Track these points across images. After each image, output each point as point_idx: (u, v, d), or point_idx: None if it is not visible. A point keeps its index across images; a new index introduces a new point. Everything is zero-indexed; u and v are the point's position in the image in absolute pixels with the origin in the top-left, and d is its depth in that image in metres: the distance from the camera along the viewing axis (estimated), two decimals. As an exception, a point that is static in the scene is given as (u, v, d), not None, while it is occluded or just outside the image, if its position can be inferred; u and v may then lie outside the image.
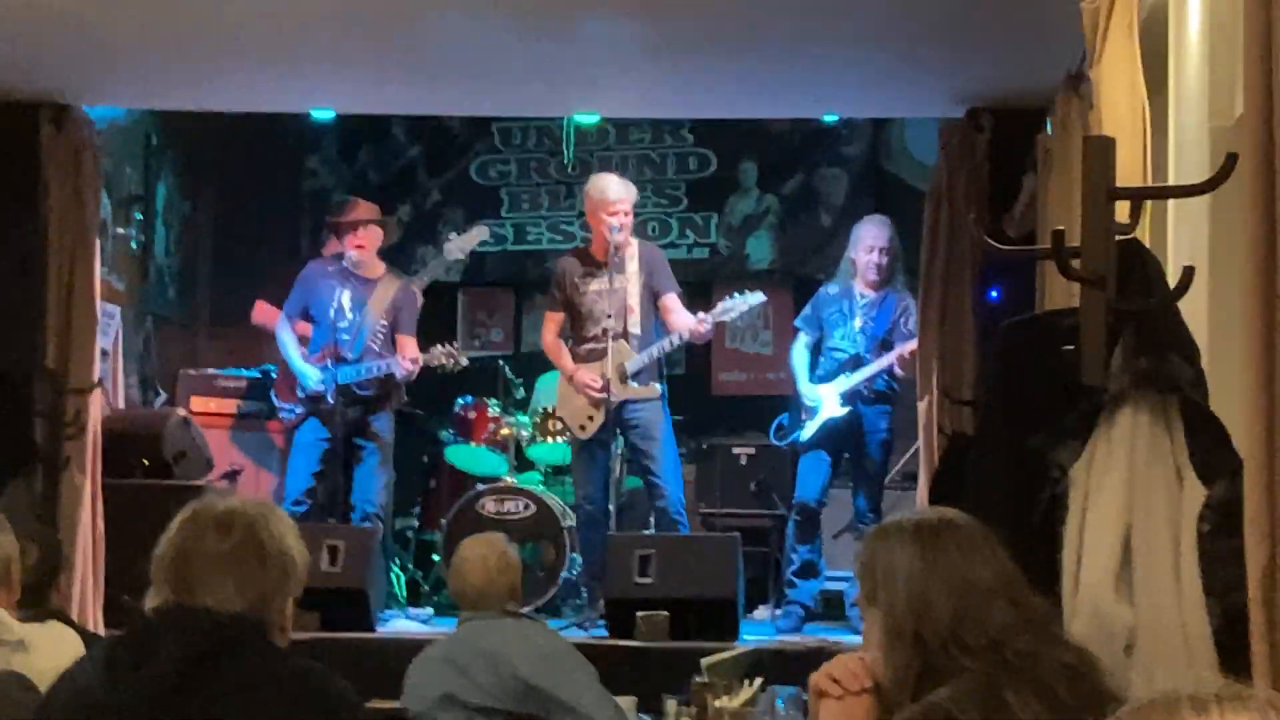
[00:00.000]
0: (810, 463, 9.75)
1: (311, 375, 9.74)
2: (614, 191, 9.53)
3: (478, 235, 10.80)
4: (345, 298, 9.85)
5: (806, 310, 10.00)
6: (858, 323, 9.70)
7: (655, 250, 10.06)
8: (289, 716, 3.14)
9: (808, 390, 9.76)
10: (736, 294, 9.64)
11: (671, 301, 9.62)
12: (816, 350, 9.90)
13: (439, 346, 9.97)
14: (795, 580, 9.68)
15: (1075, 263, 3.99)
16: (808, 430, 9.69)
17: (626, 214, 9.50)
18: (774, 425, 10.25)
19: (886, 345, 9.67)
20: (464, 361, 10.06)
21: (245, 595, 3.25)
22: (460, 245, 10.72)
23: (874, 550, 3.32)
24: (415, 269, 12.40)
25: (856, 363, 9.64)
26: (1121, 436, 3.88)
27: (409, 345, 9.91)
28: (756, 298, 9.65)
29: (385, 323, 9.92)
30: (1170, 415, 3.89)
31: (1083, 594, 3.84)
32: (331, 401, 9.69)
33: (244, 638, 3.20)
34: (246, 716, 3.12)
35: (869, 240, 9.76)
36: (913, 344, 9.34)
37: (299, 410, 9.86)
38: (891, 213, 10.43)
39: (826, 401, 9.64)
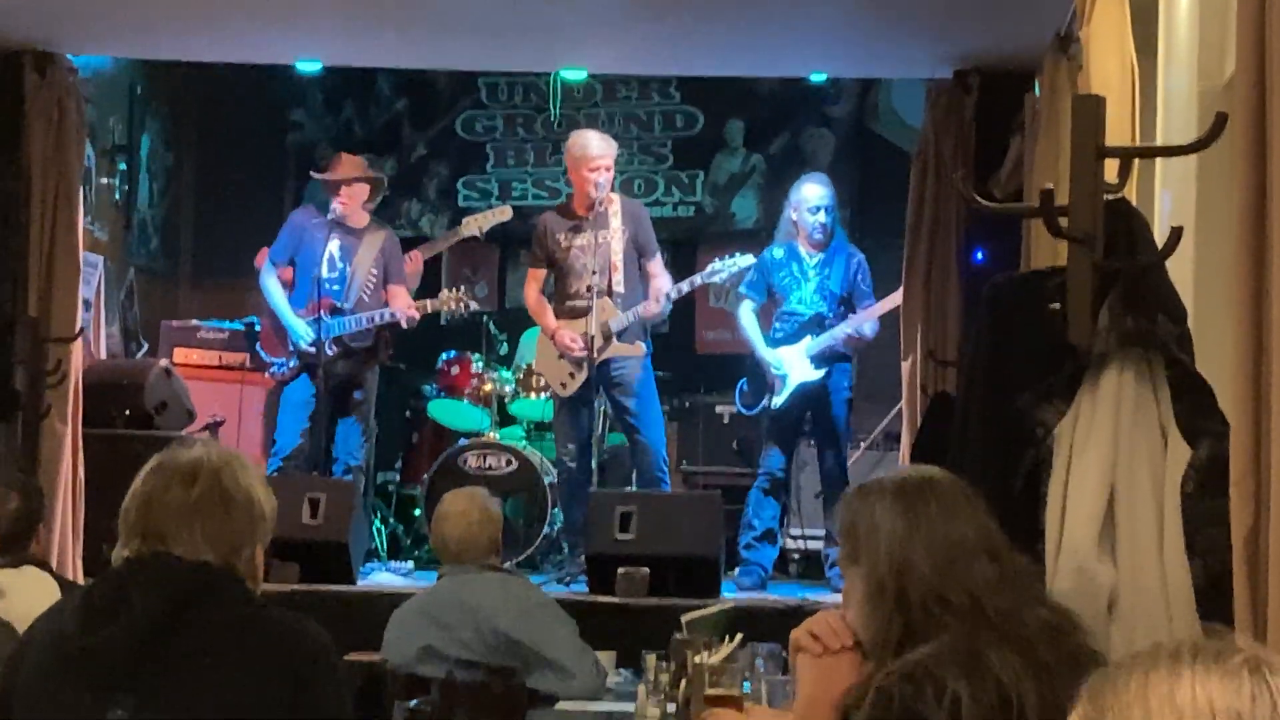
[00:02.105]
0: (780, 430, 9.72)
1: (304, 331, 9.70)
2: (595, 147, 9.50)
3: (499, 215, 10.69)
4: (334, 248, 9.82)
5: (751, 276, 9.81)
6: (812, 283, 9.63)
7: (638, 205, 10.05)
8: (264, 662, 3.13)
9: (770, 356, 9.66)
10: (726, 256, 9.64)
11: (655, 265, 9.61)
12: (765, 316, 9.82)
13: (446, 291, 9.98)
14: (754, 544, 9.64)
15: (1063, 221, 3.98)
16: (780, 397, 9.64)
17: (608, 169, 9.47)
18: (737, 390, 10.15)
19: (847, 303, 9.62)
20: (474, 305, 10.07)
21: (214, 544, 3.23)
22: (479, 222, 10.62)
23: (855, 510, 3.32)
24: (400, 224, 12.41)
25: (819, 322, 9.56)
26: (1107, 396, 3.88)
27: (401, 294, 9.91)
28: (745, 260, 9.64)
29: (375, 272, 9.91)
30: (1156, 376, 3.89)
31: (1065, 553, 3.84)
32: (330, 352, 9.66)
33: (217, 585, 3.19)
34: (222, 663, 3.12)
35: (813, 200, 9.68)
36: (885, 305, 9.34)
37: (291, 364, 9.83)
38: (877, 173, 10.43)
39: (795, 365, 9.57)
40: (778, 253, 9.80)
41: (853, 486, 3.50)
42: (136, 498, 3.29)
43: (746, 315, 9.83)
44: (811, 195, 9.70)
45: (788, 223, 9.79)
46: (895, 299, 9.31)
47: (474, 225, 10.60)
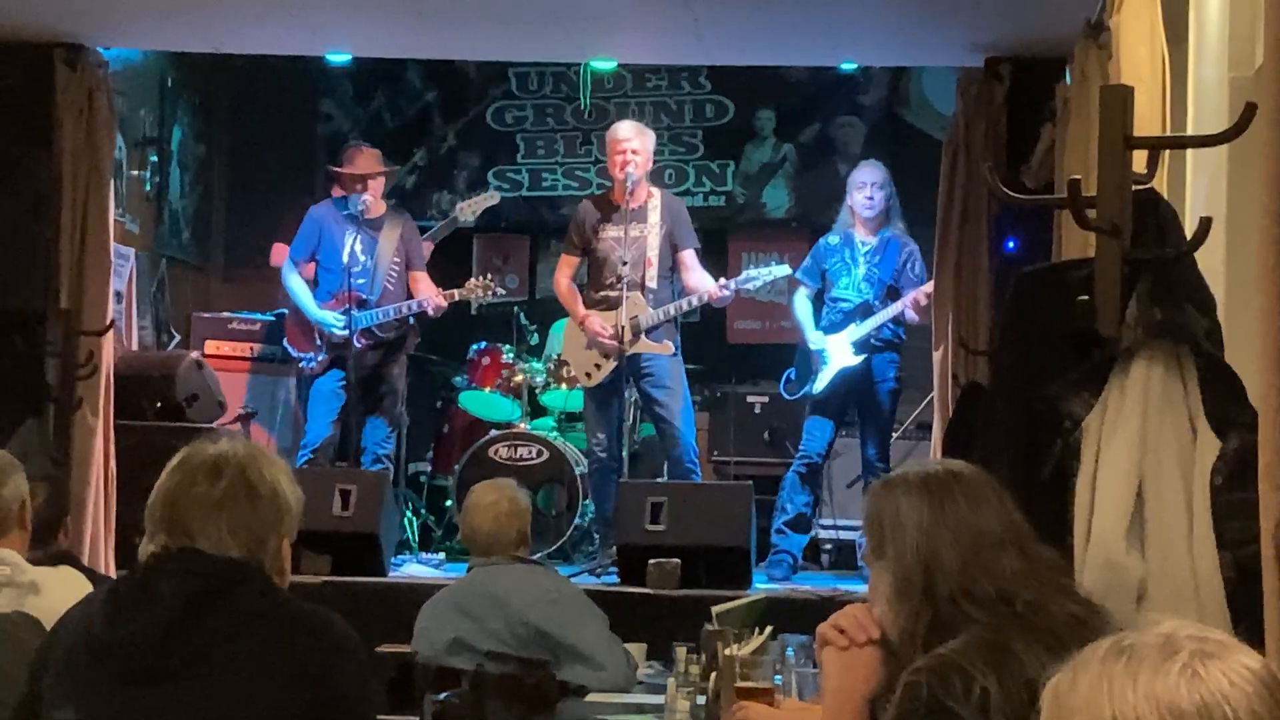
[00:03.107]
0: (820, 415, 9.72)
1: (334, 320, 9.73)
2: (623, 131, 9.54)
3: (487, 200, 10.75)
4: (356, 242, 9.84)
5: (807, 262, 9.92)
6: (861, 270, 9.64)
7: (678, 201, 10.03)
8: (287, 655, 3.14)
9: (816, 340, 9.70)
10: (762, 264, 9.66)
11: (690, 258, 9.60)
12: (819, 301, 9.85)
13: (472, 279, 9.99)
14: (786, 530, 9.64)
15: (1091, 212, 3.96)
16: (820, 381, 9.63)
17: (635, 152, 9.46)
18: (783, 379, 10.19)
19: (894, 292, 9.62)
20: (500, 292, 10.09)
21: (239, 538, 3.25)
22: (471, 207, 10.67)
23: (881, 503, 3.31)
24: (431, 214, 12.41)
25: (866, 310, 9.58)
26: (1135, 388, 3.86)
27: (424, 281, 9.94)
28: (781, 270, 9.66)
29: (398, 261, 9.94)
30: (1185, 367, 3.87)
31: (1094, 545, 3.82)
32: (359, 344, 9.69)
33: (243, 579, 3.21)
34: (246, 655, 3.13)
35: (860, 179, 9.75)
36: (927, 288, 9.31)
37: (321, 358, 9.86)
38: (908, 162, 10.41)
39: (837, 352, 9.59)
40: (833, 239, 9.86)
41: (877, 480, 3.49)
42: (162, 493, 3.30)
43: (800, 301, 9.88)
44: (861, 174, 9.80)
45: (846, 209, 9.83)
46: (926, 289, 9.31)
47: (467, 211, 10.65)
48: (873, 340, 9.57)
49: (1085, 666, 1.77)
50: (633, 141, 9.48)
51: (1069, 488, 3.94)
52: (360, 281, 9.74)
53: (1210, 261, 4.34)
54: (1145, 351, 3.87)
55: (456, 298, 9.90)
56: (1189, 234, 4.01)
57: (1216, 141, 4.19)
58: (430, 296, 9.78)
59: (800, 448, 9.77)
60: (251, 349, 11.22)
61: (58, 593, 4.45)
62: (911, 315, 9.54)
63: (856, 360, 9.55)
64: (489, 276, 10.16)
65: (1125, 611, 3.58)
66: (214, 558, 3.21)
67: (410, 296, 9.90)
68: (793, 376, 10.00)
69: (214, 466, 3.29)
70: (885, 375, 9.62)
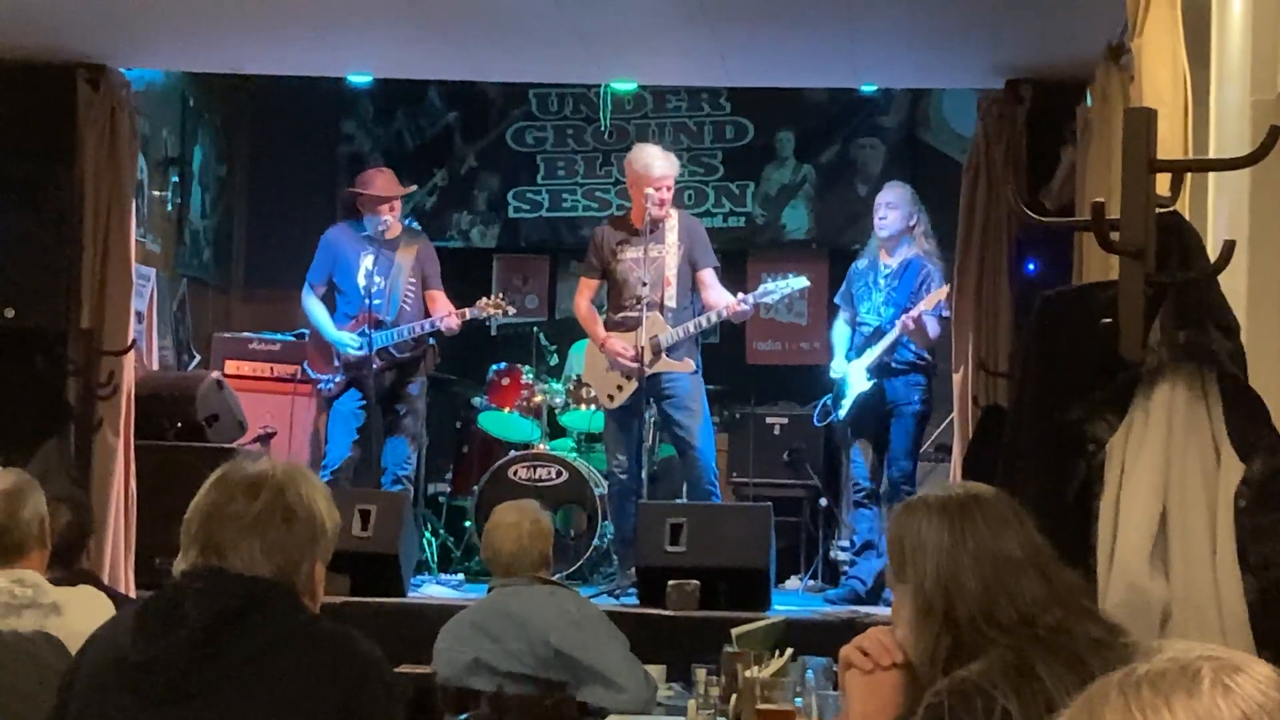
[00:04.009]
0: (856, 443, 9.75)
1: (350, 340, 9.76)
2: (659, 168, 9.50)
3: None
4: (370, 262, 9.87)
5: (842, 287, 9.97)
6: (881, 294, 9.63)
7: (695, 222, 10.04)
8: (314, 676, 3.14)
9: (837, 369, 9.73)
10: (779, 276, 9.65)
11: (709, 276, 9.61)
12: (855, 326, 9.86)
13: (485, 299, 9.99)
14: (855, 558, 9.67)
15: (1115, 235, 3.95)
16: (844, 408, 9.66)
17: (669, 189, 9.50)
18: (818, 407, 10.18)
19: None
20: (512, 310, 10.08)
21: (272, 558, 3.24)
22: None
23: (901, 526, 3.30)
24: (450, 234, 12.44)
25: (878, 335, 9.57)
26: (1159, 410, 3.86)
27: (441, 300, 9.95)
28: (799, 282, 9.65)
29: (414, 281, 9.95)
30: (1208, 390, 3.86)
31: (1118, 568, 3.82)
32: (377, 364, 9.71)
33: (272, 600, 3.20)
34: (273, 676, 3.13)
35: (878, 199, 9.77)
36: (915, 310, 9.29)
37: (339, 379, 9.88)
38: (928, 184, 10.39)
39: (854, 377, 9.60)
40: (861, 263, 9.89)
41: (899, 502, 3.48)
42: (199, 509, 3.30)
43: (838, 327, 9.92)
44: (880, 195, 9.81)
45: (873, 235, 9.85)
46: (927, 304, 9.30)
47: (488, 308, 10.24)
48: (891, 364, 9.53)
49: (1104, 700, 1.75)
50: (669, 179, 9.52)
51: (1092, 510, 3.94)
52: (377, 302, 9.76)
53: (1233, 284, 4.33)
54: (1169, 374, 3.87)
55: (468, 316, 9.90)
56: (1212, 257, 4.00)
57: (1241, 164, 4.18)
58: (444, 315, 9.80)
59: (851, 476, 9.84)
60: (272, 369, 11.24)
61: (80, 613, 4.45)
62: (931, 334, 9.48)
63: (867, 385, 9.53)
64: (502, 295, 10.16)
65: (1148, 635, 3.58)
66: (241, 577, 3.21)
67: (427, 316, 9.91)
68: (829, 403, 9.98)
69: (252, 485, 3.29)
70: (908, 399, 9.54)
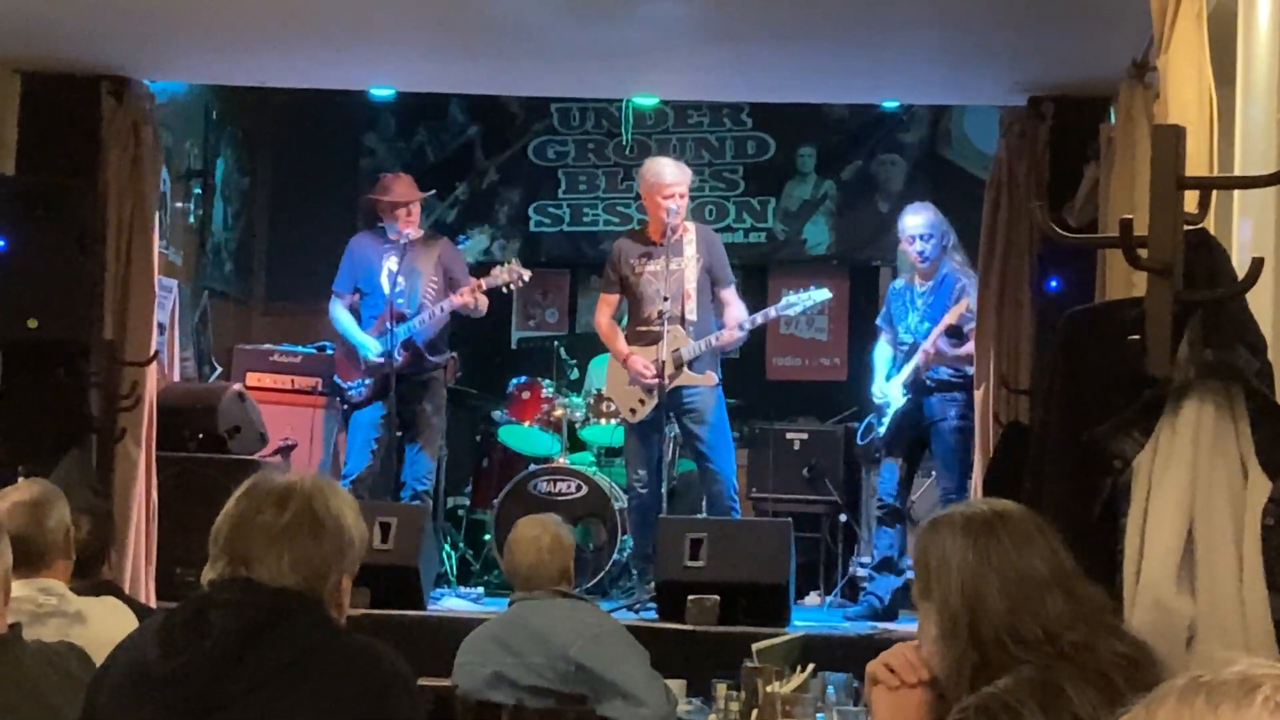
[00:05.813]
0: (889, 458, 9.73)
1: (373, 345, 9.78)
2: (670, 175, 9.52)
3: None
4: (393, 264, 9.88)
5: (882, 310, 10.02)
6: (917, 313, 9.62)
7: (713, 235, 10.05)
8: (343, 691, 3.14)
9: (878, 389, 9.74)
10: (800, 290, 9.66)
11: (730, 295, 9.64)
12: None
13: (499, 267, 9.98)
14: (873, 574, 9.66)
15: (1142, 252, 3.95)
16: (884, 425, 9.69)
17: (682, 196, 9.51)
18: (862, 428, 10.20)
19: (952, 330, 9.57)
20: (526, 276, 10.02)
21: (299, 570, 3.24)
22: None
23: (926, 544, 3.30)
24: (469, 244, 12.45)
25: (914, 351, 9.56)
26: (1186, 428, 3.85)
27: (464, 293, 9.92)
28: (821, 294, 9.67)
29: (436, 279, 9.95)
30: (1236, 407, 3.85)
31: (1144, 586, 3.81)
32: (399, 359, 9.71)
33: (298, 611, 3.20)
34: (299, 687, 3.12)
35: (909, 231, 9.62)
36: (933, 335, 9.30)
37: (367, 383, 9.88)
38: (949, 200, 10.37)
39: (893, 394, 9.63)
40: (898, 283, 9.90)
41: (925, 520, 3.48)
42: (228, 519, 3.30)
43: (880, 349, 9.91)
44: (910, 225, 9.64)
45: (901, 253, 9.83)
46: (951, 316, 9.30)
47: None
48: (927, 381, 9.52)
49: (1161, 703, 1.75)
50: (680, 185, 9.51)
51: (1118, 528, 3.93)
52: (400, 301, 9.79)
53: (1260, 301, 4.32)
54: (1196, 391, 3.86)
55: (485, 287, 9.87)
56: (1239, 274, 3.99)
57: (1268, 183, 4.18)
58: (464, 290, 9.79)
59: (877, 491, 9.83)
60: (293, 381, 11.26)
61: (103, 623, 4.46)
62: (949, 353, 9.47)
63: (902, 402, 9.55)
64: (513, 260, 10.11)
65: (1174, 653, 3.57)
66: (267, 588, 3.20)
67: None
68: (874, 422, 9.97)
69: (281, 496, 3.29)
70: (945, 415, 9.49)
